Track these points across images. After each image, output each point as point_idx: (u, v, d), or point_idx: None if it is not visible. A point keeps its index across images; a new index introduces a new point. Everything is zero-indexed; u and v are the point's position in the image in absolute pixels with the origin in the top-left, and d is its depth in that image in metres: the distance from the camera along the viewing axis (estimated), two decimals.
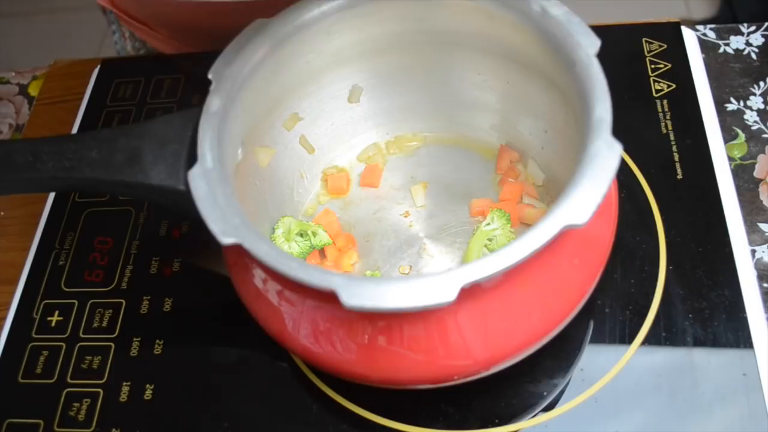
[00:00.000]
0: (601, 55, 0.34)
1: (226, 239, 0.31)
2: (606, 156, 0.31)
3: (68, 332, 0.48)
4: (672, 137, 0.49)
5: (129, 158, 0.37)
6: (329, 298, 0.29)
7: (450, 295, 0.28)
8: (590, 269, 0.35)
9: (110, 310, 0.48)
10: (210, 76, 0.37)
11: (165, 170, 0.36)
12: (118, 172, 0.37)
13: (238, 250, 0.32)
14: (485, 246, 0.43)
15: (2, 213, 0.58)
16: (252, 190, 0.43)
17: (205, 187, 0.33)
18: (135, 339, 0.47)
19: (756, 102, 0.53)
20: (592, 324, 0.43)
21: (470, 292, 0.29)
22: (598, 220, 0.35)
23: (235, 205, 0.33)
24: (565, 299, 0.34)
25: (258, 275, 0.36)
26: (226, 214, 0.32)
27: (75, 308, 0.49)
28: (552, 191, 0.46)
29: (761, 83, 0.53)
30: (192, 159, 0.35)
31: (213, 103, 0.36)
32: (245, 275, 0.37)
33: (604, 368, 0.41)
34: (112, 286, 0.50)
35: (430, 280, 0.29)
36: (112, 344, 0.47)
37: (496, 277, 0.29)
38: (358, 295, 0.29)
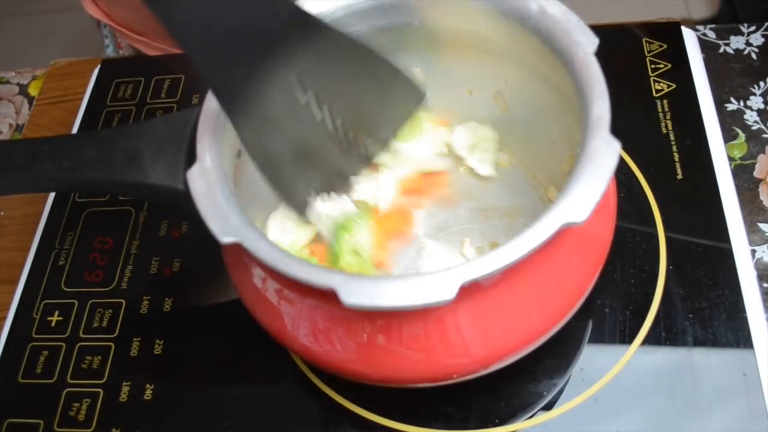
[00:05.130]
0: (601, 55, 0.33)
1: (225, 238, 0.31)
2: (604, 154, 0.31)
3: (68, 332, 0.48)
4: (672, 137, 0.49)
5: (128, 158, 0.37)
6: (328, 296, 0.29)
7: (449, 293, 0.28)
8: (589, 267, 0.35)
9: (110, 310, 0.49)
10: None
11: (164, 170, 0.36)
12: (117, 172, 0.37)
13: (238, 249, 0.32)
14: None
15: (2, 213, 0.58)
16: (252, 190, 0.43)
17: (204, 186, 0.33)
18: (135, 339, 0.47)
19: (756, 102, 0.53)
20: (592, 324, 0.43)
21: (469, 291, 0.29)
22: (597, 219, 0.35)
23: (235, 205, 0.33)
24: (564, 297, 0.34)
25: (257, 274, 0.36)
26: (226, 213, 0.32)
27: (75, 308, 0.49)
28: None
29: (761, 83, 0.53)
30: (191, 159, 0.35)
31: (212, 102, 0.36)
32: (245, 274, 0.37)
33: (604, 368, 0.41)
34: (112, 286, 0.50)
35: (430, 279, 0.29)
36: (112, 344, 0.47)
37: (495, 275, 0.29)
38: (357, 294, 0.29)
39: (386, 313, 0.32)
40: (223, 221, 0.32)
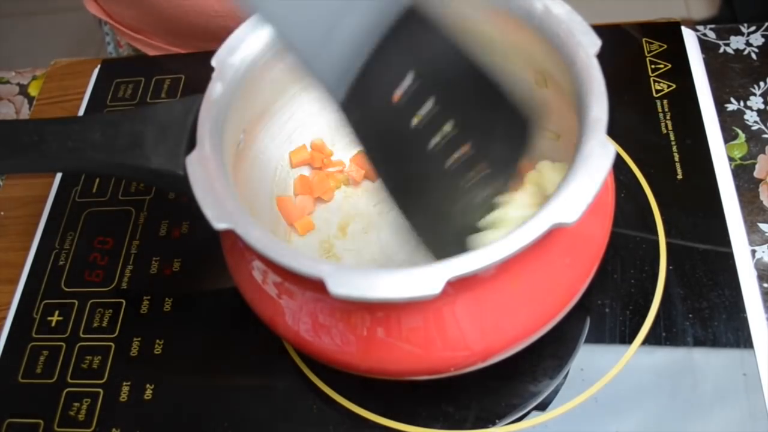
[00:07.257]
0: (601, 55, 0.34)
1: (219, 224, 0.31)
2: (599, 156, 0.30)
3: (68, 332, 0.48)
4: (672, 137, 0.49)
5: (131, 141, 0.37)
6: (322, 286, 0.29)
7: (436, 287, 0.28)
8: (582, 269, 0.35)
9: (110, 310, 0.49)
10: (213, 64, 0.37)
11: (165, 155, 0.37)
12: (120, 155, 0.37)
13: (233, 236, 0.32)
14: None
15: (2, 213, 0.58)
16: (253, 178, 0.43)
17: (201, 172, 0.33)
18: (135, 339, 0.47)
19: (756, 102, 0.53)
20: (592, 324, 0.43)
21: (467, 284, 0.29)
22: (592, 220, 0.35)
23: (231, 191, 0.33)
24: (556, 297, 0.34)
25: (257, 267, 0.36)
26: (221, 199, 0.32)
27: (75, 308, 0.49)
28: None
29: (761, 83, 0.53)
30: (192, 145, 0.35)
31: (215, 90, 0.36)
32: (241, 264, 0.37)
33: (604, 368, 0.41)
34: (112, 286, 0.50)
35: (417, 273, 0.29)
36: (112, 344, 0.47)
37: (484, 272, 0.29)
38: (345, 285, 0.29)
39: (385, 306, 0.32)
40: (217, 207, 0.32)
